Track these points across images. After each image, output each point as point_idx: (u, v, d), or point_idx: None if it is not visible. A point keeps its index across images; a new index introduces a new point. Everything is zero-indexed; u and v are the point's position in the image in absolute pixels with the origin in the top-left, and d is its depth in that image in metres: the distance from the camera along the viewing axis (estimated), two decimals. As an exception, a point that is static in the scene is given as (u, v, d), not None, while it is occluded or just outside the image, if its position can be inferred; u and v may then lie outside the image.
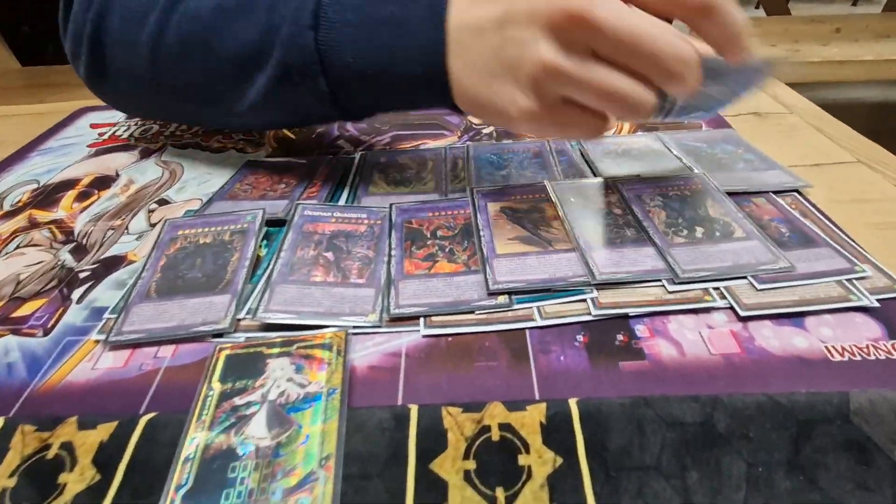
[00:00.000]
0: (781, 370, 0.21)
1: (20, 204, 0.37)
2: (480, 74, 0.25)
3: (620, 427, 0.19)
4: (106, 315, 0.26)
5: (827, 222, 0.28)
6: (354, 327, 0.24)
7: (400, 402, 0.21)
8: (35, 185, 0.39)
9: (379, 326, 0.24)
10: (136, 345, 0.24)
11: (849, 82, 1.43)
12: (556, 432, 0.19)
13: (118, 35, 0.34)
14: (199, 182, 0.38)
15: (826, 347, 0.22)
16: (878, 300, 0.24)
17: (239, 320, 0.25)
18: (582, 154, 0.37)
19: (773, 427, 0.19)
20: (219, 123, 0.41)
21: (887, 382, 0.20)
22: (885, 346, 0.22)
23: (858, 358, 0.21)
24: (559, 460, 0.18)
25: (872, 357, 0.21)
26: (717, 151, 0.35)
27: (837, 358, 0.22)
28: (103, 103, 0.49)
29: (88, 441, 0.20)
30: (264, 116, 0.34)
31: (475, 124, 0.43)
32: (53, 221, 0.34)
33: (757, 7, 2.74)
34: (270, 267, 0.27)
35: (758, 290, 0.24)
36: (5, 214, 0.36)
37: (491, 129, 0.42)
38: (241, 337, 0.24)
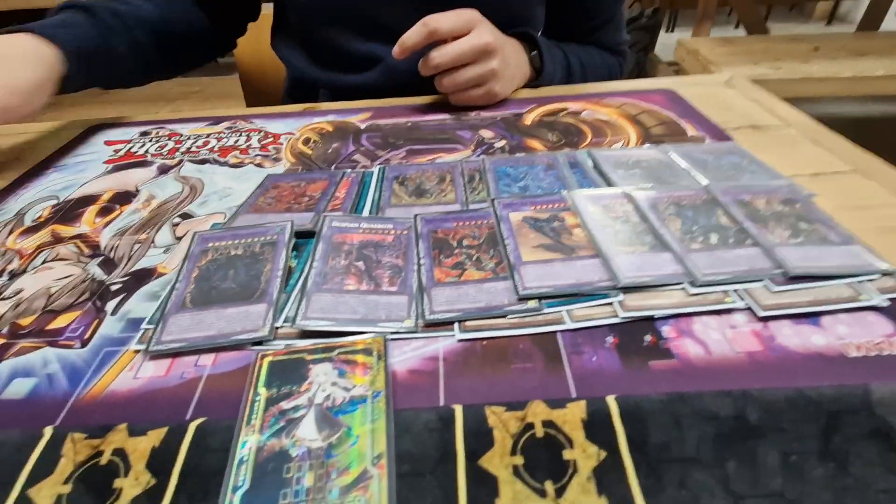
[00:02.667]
0: (804, 366, 0.22)
1: (41, 219, 0.37)
2: None
3: (659, 422, 0.20)
4: (144, 325, 0.26)
5: (836, 224, 0.30)
6: (392, 333, 0.25)
7: (442, 403, 0.22)
8: (55, 201, 0.39)
9: (415, 332, 0.25)
10: (176, 354, 0.25)
11: (829, 98, 1.49)
12: (597, 428, 0.20)
13: None
14: (220, 196, 0.38)
15: (843, 344, 0.23)
16: (888, 299, 0.25)
17: (277, 328, 0.26)
18: (594, 165, 0.38)
19: (803, 419, 0.20)
20: None
21: (903, 375, 0.21)
22: (898, 342, 0.23)
23: (874, 353, 0.23)
24: (603, 454, 0.19)
25: (887, 352, 0.23)
26: (723, 163, 0.37)
27: (854, 354, 0.23)
28: (115, 120, 0.50)
29: (140, 447, 0.20)
30: None
31: (486, 139, 0.45)
32: (78, 236, 0.35)
33: (737, 27, 2.85)
34: (304, 276, 0.28)
35: (773, 291, 0.26)
36: (28, 230, 0.36)
37: (503, 143, 0.44)
38: (280, 344, 0.25)
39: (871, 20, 2.12)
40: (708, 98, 0.49)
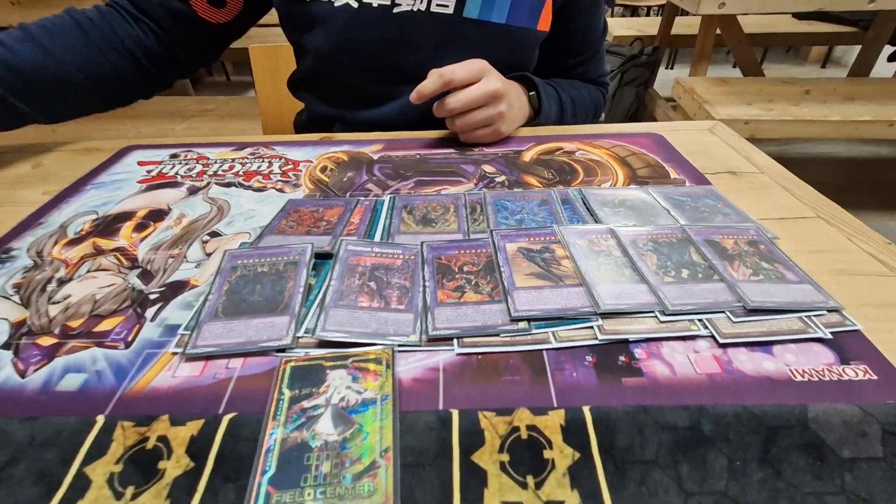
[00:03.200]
0: (754, 387, 0.26)
1: (83, 232, 0.41)
2: None
3: (625, 429, 0.24)
4: (181, 331, 0.30)
5: (793, 264, 0.34)
6: (399, 345, 0.28)
7: (441, 407, 0.25)
8: (94, 216, 0.43)
9: (419, 345, 0.29)
10: (209, 357, 0.28)
11: (819, 139, 1.55)
12: (573, 433, 0.23)
13: None
14: (245, 217, 0.42)
15: (790, 370, 0.27)
16: (831, 332, 0.29)
17: (298, 337, 0.29)
18: (584, 202, 0.42)
19: (747, 431, 0.23)
20: None
21: (838, 398, 0.25)
22: (837, 370, 0.27)
23: (815, 379, 0.26)
24: (577, 455, 0.23)
25: (827, 378, 0.26)
26: (700, 205, 0.41)
27: (799, 378, 0.26)
28: (147, 142, 0.54)
29: (181, 435, 0.24)
30: None
31: (488, 173, 0.49)
32: (117, 249, 0.39)
33: (734, 66, 2.94)
34: (322, 293, 0.32)
35: (733, 322, 0.29)
36: (71, 241, 0.40)
37: (503, 178, 0.48)
38: (301, 352, 0.28)
39: (862, 65, 2.21)
40: (692, 144, 0.54)
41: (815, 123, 1.48)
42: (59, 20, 0.54)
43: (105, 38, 0.55)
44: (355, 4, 0.55)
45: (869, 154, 2.22)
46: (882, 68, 2.46)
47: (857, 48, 2.33)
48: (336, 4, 0.55)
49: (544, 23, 0.61)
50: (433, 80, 0.48)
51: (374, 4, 0.55)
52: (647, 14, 3.48)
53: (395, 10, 0.55)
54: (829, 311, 0.30)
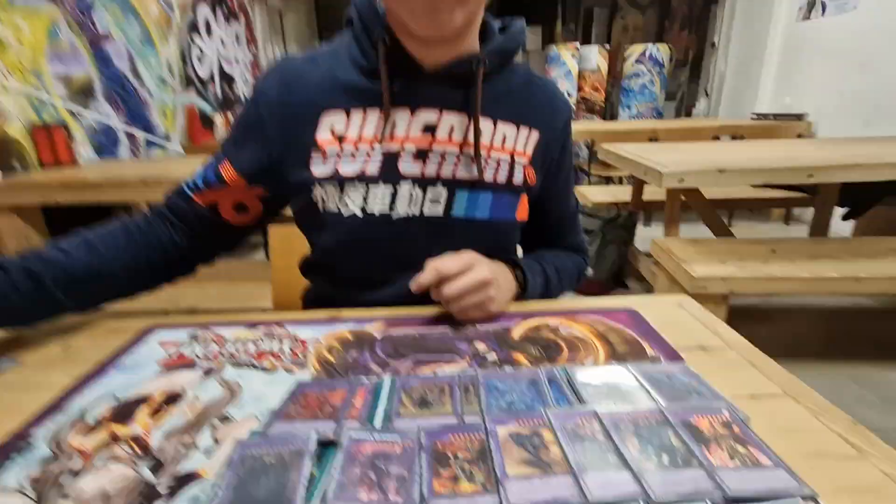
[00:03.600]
0: (743, 588, 0.27)
1: (101, 418, 0.44)
2: None
3: None
4: (186, 531, 0.31)
5: (766, 448, 0.36)
6: (396, 544, 0.29)
7: None
8: (114, 401, 0.46)
9: (416, 544, 0.30)
10: (211, 560, 0.29)
11: (791, 294, 1.65)
12: None
13: None
14: (255, 400, 0.45)
15: (776, 567, 0.28)
16: (809, 523, 0.30)
17: (300, 537, 0.30)
18: (569, 382, 0.46)
19: None
20: None
21: None
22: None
23: (802, 577, 0.27)
24: None
25: (813, 576, 0.27)
26: (675, 383, 0.45)
27: (786, 577, 0.27)
28: (168, 321, 0.60)
29: None
30: None
31: (480, 351, 0.53)
32: (132, 437, 0.41)
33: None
34: (324, 488, 0.34)
35: (716, 512, 0.31)
36: (89, 429, 0.42)
37: (494, 355, 0.52)
38: (301, 553, 0.29)
39: (819, 225, 2.44)
40: (663, 318, 0.59)
41: (788, 281, 1.59)
42: (112, 227, 0.65)
43: (147, 242, 0.66)
44: (360, 214, 0.64)
45: (851, 305, 2.31)
46: (840, 225, 2.71)
47: (811, 210, 2.60)
48: (345, 215, 0.65)
49: (522, 213, 0.71)
50: (429, 273, 0.56)
51: (376, 213, 0.64)
52: (621, 182, 3.94)
53: (394, 216, 0.65)
54: (804, 497, 0.32)
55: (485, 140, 0.65)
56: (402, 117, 0.63)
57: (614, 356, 0.52)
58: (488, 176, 0.66)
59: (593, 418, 0.40)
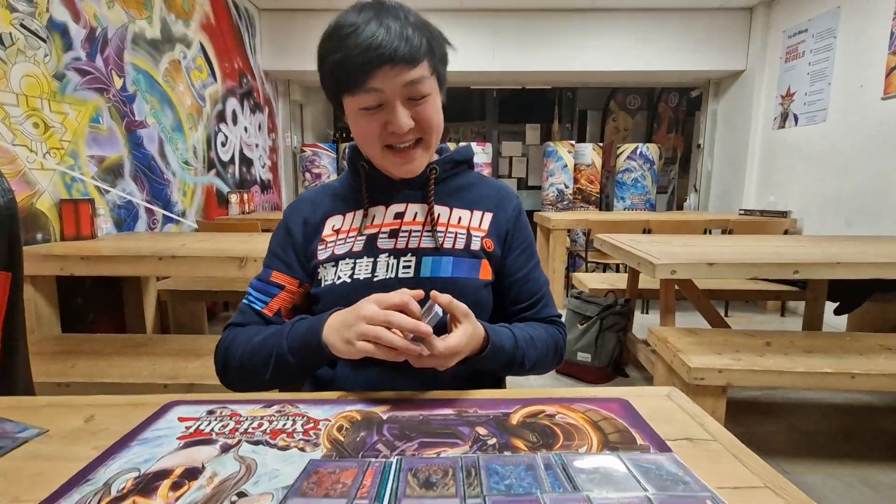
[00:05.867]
0: None
1: (125, 490, 0.46)
2: (339, 332, 0.66)
3: None
4: None
5: (745, 540, 0.39)
6: None
7: None
8: (136, 474, 0.49)
9: None
10: None
11: (790, 388, 1.65)
12: None
13: (229, 354, 0.77)
14: (270, 477, 0.48)
15: None
16: None
17: None
18: (563, 469, 0.49)
19: None
20: (264, 383, 0.76)
21: None
22: None
23: None
24: None
25: None
26: (663, 473, 0.48)
27: None
28: (188, 397, 0.64)
29: None
30: (276, 376, 0.74)
31: (481, 436, 0.57)
32: (154, 509, 0.44)
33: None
34: (337, 560, 0.36)
35: None
36: (114, 500, 0.45)
37: (494, 440, 0.56)
38: None
39: (812, 318, 2.49)
40: (653, 409, 0.63)
41: (784, 374, 1.61)
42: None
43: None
44: (349, 280, 0.79)
45: (857, 401, 2.29)
46: (833, 319, 2.76)
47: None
48: (336, 283, 0.80)
49: (485, 273, 0.82)
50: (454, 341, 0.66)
51: (361, 278, 0.79)
52: (617, 269, 4.05)
53: (374, 279, 0.79)
54: (780, 586, 0.35)
55: (443, 220, 0.83)
56: (378, 211, 0.84)
57: (607, 444, 0.55)
58: (447, 244, 0.81)
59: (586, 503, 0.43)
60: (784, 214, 3.67)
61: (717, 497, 0.44)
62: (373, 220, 0.83)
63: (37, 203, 2.12)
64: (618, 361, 2.53)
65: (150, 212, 2.83)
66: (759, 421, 2.11)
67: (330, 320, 0.69)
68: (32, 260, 1.88)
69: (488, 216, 0.85)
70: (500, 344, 0.74)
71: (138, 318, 2.54)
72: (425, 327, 0.62)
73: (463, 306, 0.68)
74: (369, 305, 0.65)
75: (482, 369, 0.77)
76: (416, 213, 0.83)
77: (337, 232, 0.84)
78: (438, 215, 0.83)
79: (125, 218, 2.64)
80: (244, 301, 0.83)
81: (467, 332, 0.67)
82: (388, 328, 0.63)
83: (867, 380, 1.58)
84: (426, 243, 0.81)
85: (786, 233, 3.30)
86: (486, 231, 0.84)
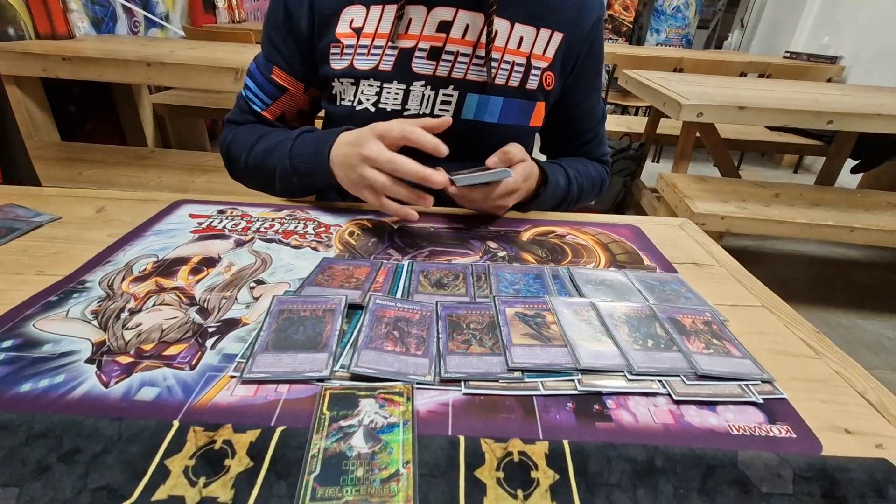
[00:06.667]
0: (699, 436, 0.33)
1: (146, 272, 0.48)
2: (342, 169, 0.58)
3: (596, 459, 0.30)
4: (237, 359, 0.36)
5: (738, 342, 0.42)
6: (417, 383, 0.35)
7: (450, 434, 0.31)
8: (155, 258, 0.50)
9: (433, 385, 0.35)
10: (261, 381, 0.35)
11: (789, 238, 1.69)
12: (555, 459, 0.30)
13: (231, 158, 0.71)
14: (285, 270, 0.50)
15: (729, 425, 0.34)
16: (763, 398, 0.36)
17: (335, 371, 0.36)
18: (571, 279, 0.51)
19: (690, 467, 0.30)
20: (273, 193, 0.70)
21: (762, 447, 0.32)
22: (766, 428, 0.34)
23: (748, 434, 0.33)
24: (557, 476, 0.29)
25: (757, 434, 0.33)
26: (667, 289, 0.50)
27: (735, 433, 0.33)
28: (194, 197, 0.63)
29: (242, 440, 0.30)
30: (283, 191, 0.68)
31: (491, 248, 0.57)
32: (176, 288, 0.45)
33: (714, 165, 3.18)
34: (354, 337, 0.39)
35: (686, 384, 0.37)
36: (136, 278, 0.47)
37: (504, 253, 0.56)
38: (337, 383, 0.35)
39: (827, 175, 2.43)
40: (664, 237, 0.63)
41: (784, 224, 1.63)
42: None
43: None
44: (373, 109, 0.66)
45: (838, 255, 2.38)
46: (848, 178, 2.70)
47: (822, 159, 2.57)
48: (357, 108, 0.66)
49: (537, 119, 0.71)
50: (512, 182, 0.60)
51: (388, 109, 0.66)
52: (636, 113, 3.82)
53: (405, 113, 0.66)
54: (763, 381, 0.37)
55: (499, 42, 0.65)
56: (417, 14, 0.63)
57: (614, 263, 0.56)
58: (500, 80, 0.66)
59: (591, 308, 0.45)
60: (833, 60, 3.31)
61: (715, 310, 0.46)
62: (408, 26, 0.63)
63: (-3, -11, 1.86)
64: (620, 206, 2.56)
65: (129, 12, 2.53)
66: (745, 267, 2.22)
67: (336, 146, 0.59)
68: (10, 58, 1.73)
69: (557, 37, 0.67)
70: (556, 181, 0.68)
71: (137, 132, 2.47)
72: (437, 176, 0.52)
73: (516, 149, 0.60)
74: (371, 144, 0.54)
75: (535, 209, 0.71)
76: (466, 27, 0.63)
77: (358, 33, 0.64)
78: (496, 33, 0.64)
79: (102, 17, 2.36)
80: (242, 92, 0.72)
81: (525, 171, 0.62)
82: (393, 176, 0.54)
83: (865, 234, 1.61)
84: (473, 74, 0.65)
85: (829, 81, 3.03)
86: (551, 60, 0.68)
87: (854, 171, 2.49)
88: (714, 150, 2.18)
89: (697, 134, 2.08)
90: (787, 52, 3.75)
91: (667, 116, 1.84)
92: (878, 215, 1.67)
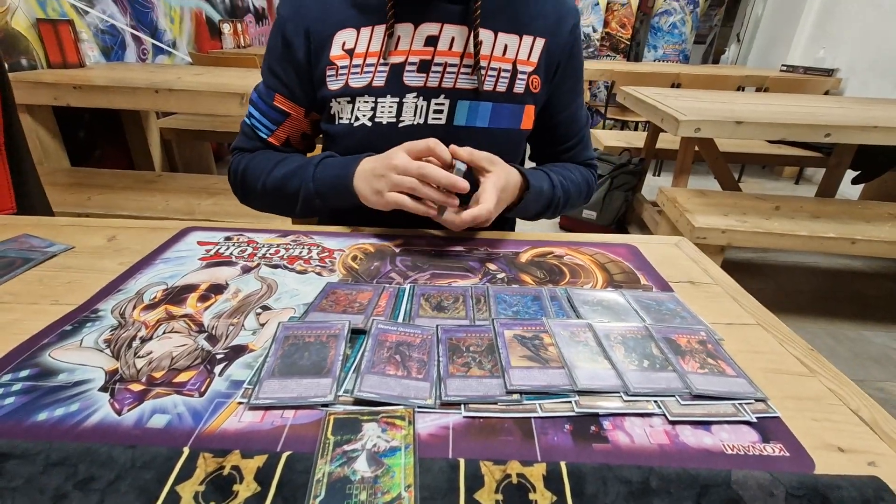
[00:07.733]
0: (694, 456, 0.33)
1: (156, 300, 0.50)
2: (367, 181, 0.61)
3: (592, 481, 0.31)
4: (244, 385, 0.38)
5: (733, 362, 0.42)
6: (418, 407, 0.36)
7: (451, 456, 0.32)
8: (164, 286, 0.52)
9: (434, 408, 0.36)
10: (268, 408, 0.36)
11: (791, 251, 1.69)
12: (552, 481, 0.31)
13: (247, 184, 0.72)
14: (290, 295, 0.51)
15: (723, 444, 0.34)
16: (756, 417, 0.37)
17: (339, 396, 0.37)
18: (569, 300, 0.52)
19: (685, 487, 0.31)
20: (288, 216, 0.77)
21: (756, 466, 0.32)
22: (759, 447, 0.34)
23: (742, 453, 0.34)
24: (554, 498, 0.30)
25: (751, 453, 0.34)
26: (663, 308, 0.51)
27: (729, 452, 0.34)
28: (203, 223, 0.65)
29: (249, 465, 0.31)
30: (304, 212, 0.71)
31: (491, 270, 0.59)
32: (186, 315, 0.47)
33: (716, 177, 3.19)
34: (357, 361, 0.40)
35: (681, 404, 0.37)
36: (147, 306, 0.48)
37: (503, 274, 0.58)
38: (341, 407, 0.36)
39: (828, 187, 2.44)
40: (660, 255, 0.64)
41: (785, 237, 1.63)
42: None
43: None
44: (369, 124, 0.68)
45: (842, 265, 2.37)
46: (848, 189, 2.71)
47: (822, 170, 2.59)
48: (354, 125, 0.69)
49: (527, 122, 0.73)
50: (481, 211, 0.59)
51: (384, 122, 0.69)
52: (636, 128, 3.85)
53: (400, 125, 0.69)
54: (757, 400, 0.38)
55: (485, 51, 0.68)
56: (405, 31, 0.67)
57: (611, 283, 0.57)
58: (488, 86, 0.69)
59: (587, 329, 0.46)
60: (830, 73, 3.34)
61: (710, 329, 0.47)
62: (398, 43, 0.67)
63: (12, 22, 1.93)
64: (622, 220, 2.57)
65: (137, 40, 2.60)
66: (748, 279, 2.21)
67: (360, 167, 0.63)
68: (23, 87, 1.78)
69: (540, 43, 0.70)
70: (539, 186, 0.69)
71: (145, 156, 2.52)
72: (462, 182, 0.56)
73: (485, 154, 0.62)
74: (401, 155, 0.58)
75: (520, 217, 0.73)
76: (452, 39, 0.67)
77: (351, 54, 0.67)
78: (481, 43, 0.67)
79: (111, 45, 2.43)
80: (246, 121, 0.74)
81: (500, 180, 0.62)
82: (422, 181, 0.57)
83: (867, 245, 1.61)
84: (463, 83, 0.68)
85: (826, 94, 3.05)
86: (536, 64, 0.70)
87: (855, 182, 2.50)
88: (713, 163, 2.20)
89: (697, 148, 2.10)
90: (783, 65, 3.79)
91: (666, 131, 1.87)
92: (880, 226, 1.68)
